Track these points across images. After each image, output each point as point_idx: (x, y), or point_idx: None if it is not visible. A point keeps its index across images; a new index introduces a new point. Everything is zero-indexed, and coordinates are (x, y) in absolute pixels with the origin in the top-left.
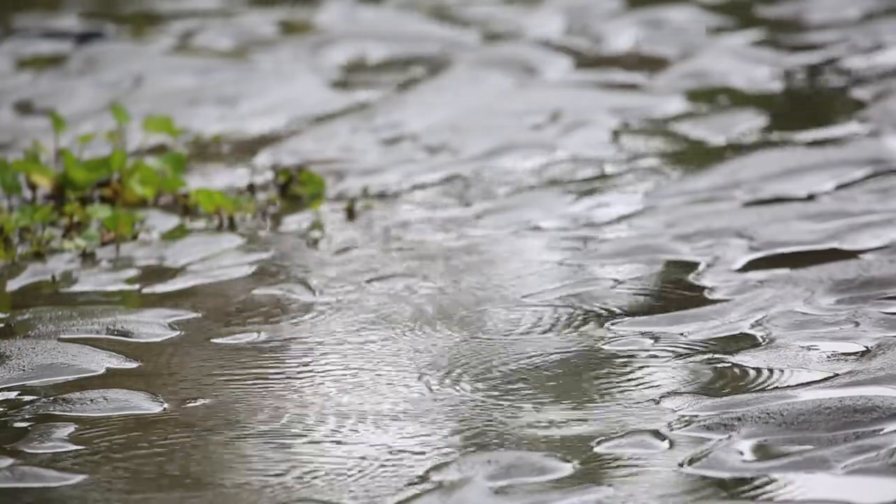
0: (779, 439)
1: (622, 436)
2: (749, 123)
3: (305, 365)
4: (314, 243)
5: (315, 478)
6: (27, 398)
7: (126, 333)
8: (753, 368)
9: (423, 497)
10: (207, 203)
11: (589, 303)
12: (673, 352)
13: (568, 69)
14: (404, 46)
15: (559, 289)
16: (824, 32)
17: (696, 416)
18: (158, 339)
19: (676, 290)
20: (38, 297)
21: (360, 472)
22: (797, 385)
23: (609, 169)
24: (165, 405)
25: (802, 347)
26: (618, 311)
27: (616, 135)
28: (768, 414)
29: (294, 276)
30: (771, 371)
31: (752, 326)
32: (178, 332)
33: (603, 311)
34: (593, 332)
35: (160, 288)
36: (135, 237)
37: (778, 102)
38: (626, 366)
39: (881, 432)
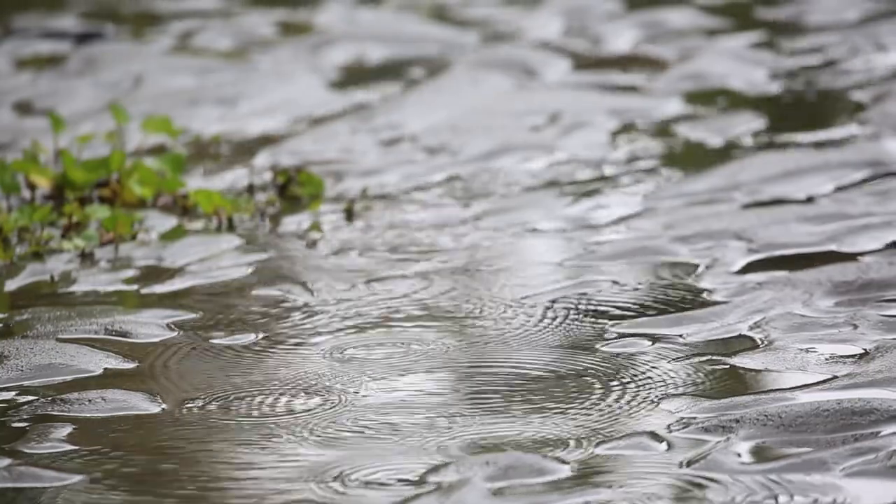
0: (777, 441)
1: (620, 437)
2: (748, 125)
3: (304, 366)
4: (313, 244)
5: (315, 478)
6: (25, 398)
7: (124, 334)
8: (752, 370)
9: (422, 498)
10: (206, 204)
11: (587, 304)
12: (671, 353)
13: (567, 71)
14: (404, 47)
15: (558, 290)
16: (823, 34)
17: (695, 417)
18: (157, 340)
19: (675, 292)
20: (36, 298)
21: (359, 472)
22: (795, 387)
23: (608, 170)
24: (164, 406)
25: (801, 349)
26: (616, 312)
27: (615, 136)
28: (767, 416)
29: (293, 276)
30: (769, 373)
31: (751, 328)
32: (176, 333)
33: (601, 313)
34: (592, 333)
35: (159, 288)
36: (133, 237)
37: (777, 104)
38: (624, 367)
39: (879, 434)
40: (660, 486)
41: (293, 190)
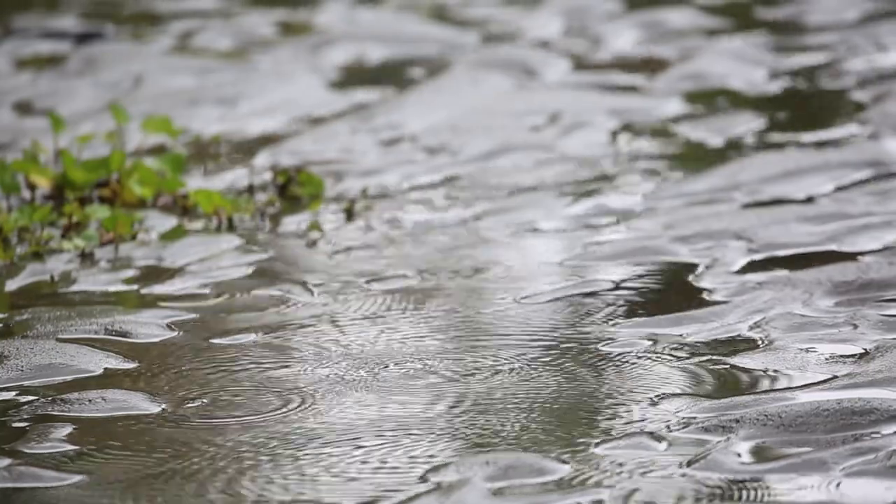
0: (777, 441)
1: (621, 437)
2: (748, 125)
3: (304, 366)
4: (313, 244)
5: (314, 478)
6: (25, 398)
7: (124, 334)
8: (752, 370)
9: (422, 498)
10: (206, 203)
11: (588, 304)
12: (672, 353)
13: (567, 71)
14: (404, 47)
15: (558, 290)
16: (823, 34)
17: (695, 417)
18: (157, 340)
19: (675, 292)
20: (36, 298)
21: (359, 473)
22: (795, 387)
23: (608, 170)
24: (163, 406)
25: (801, 349)
26: (616, 312)
27: (615, 136)
28: (767, 416)
29: (293, 276)
30: (769, 373)
31: (751, 328)
32: (176, 333)
33: (602, 313)
34: (592, 333)
35: (159, 288)
36: (133, 237)
37: (777, 104)
38: (624, 367)
39: (879, 434)
40: (660, 485)
41: (293, 190)
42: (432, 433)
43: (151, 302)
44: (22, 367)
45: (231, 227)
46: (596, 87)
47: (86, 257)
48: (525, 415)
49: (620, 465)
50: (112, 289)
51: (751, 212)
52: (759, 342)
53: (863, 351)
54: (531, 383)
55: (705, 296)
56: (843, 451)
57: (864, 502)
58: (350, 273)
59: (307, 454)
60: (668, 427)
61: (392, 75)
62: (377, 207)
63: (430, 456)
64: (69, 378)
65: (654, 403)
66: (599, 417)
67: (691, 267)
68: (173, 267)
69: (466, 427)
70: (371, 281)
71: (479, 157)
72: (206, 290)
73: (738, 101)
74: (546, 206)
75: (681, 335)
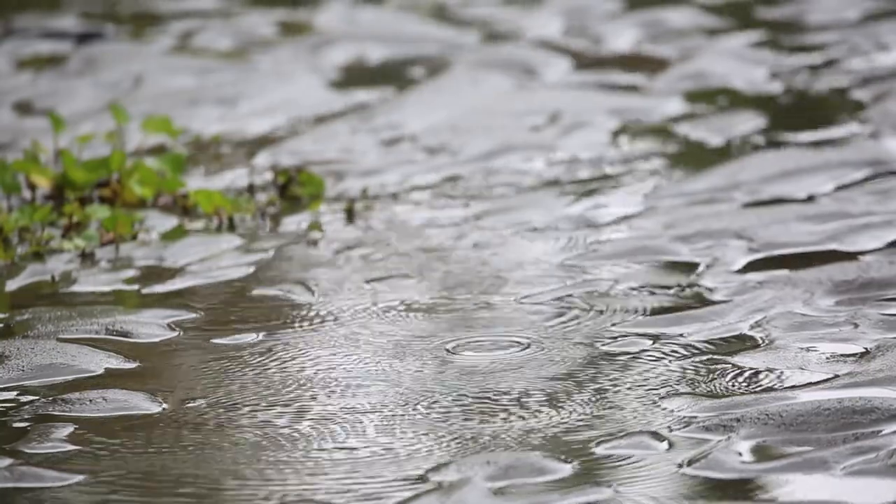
0: (778, 440)
1: (621, 436)
2: (748, 125)
3: (305, 366)
4: (313, 244)
5: (315, 478)
6: (26, 398)
7: (125, 334)
8: (753, 369)
9: (423, 498)
10: (206, 203)
11: (588, 303)
12: (672, 353)
13: (567, 70)
14: (404, 47)
15: (558, 289)
16: (824, 34)
17: (696, 417)
18: (157, 340)
19: (675, 291)
20: (37, 298)
21: (359, 472)
22: (796, 386)
23: (608, 170)
24: (164, 405)
25: (802, 349)
26: (617, 311)
27: (615, 136)
28: (767, 415)
29: (293, 276)
30: (770, 372)
31: (752, 327)
32: (177, 333)
33: (602, 312)
34: (592, 332)
35: (159, 288)
36: (134, 237)
37: (777, 104)
38: (625, 366)
39: (880, 433)
40: (660, 485)
41: (293, 190)
42: (433, 433)
43: (152, 302)
44: (23, 367)
45: (231, 227)
46: (596, 86)
47: (86, 257)
48: (525, 414)
49: (621, 464)
50: (112, 289)
51: (751, 211)
52: (760, 341)
53: (863, 350)
54: (531, 383)
55: (706, 295)
56: (843, 450)
57: (864, 501)
58: (350, 273)
59: (308, 454)
60: (668, 426)
61: (392, 75)
62: (377, 207)
63: (431, 456)
64: (70, 378)
65: (654, 403)
66: (600, 417)
67: (692, 266)
68: (174, 267)
69: (467, 426)
70: (371, 281)
71: (479, 157)
72: (207, 290)
73: (739, 100)
74: (546, 206)
75: (681, 334)
